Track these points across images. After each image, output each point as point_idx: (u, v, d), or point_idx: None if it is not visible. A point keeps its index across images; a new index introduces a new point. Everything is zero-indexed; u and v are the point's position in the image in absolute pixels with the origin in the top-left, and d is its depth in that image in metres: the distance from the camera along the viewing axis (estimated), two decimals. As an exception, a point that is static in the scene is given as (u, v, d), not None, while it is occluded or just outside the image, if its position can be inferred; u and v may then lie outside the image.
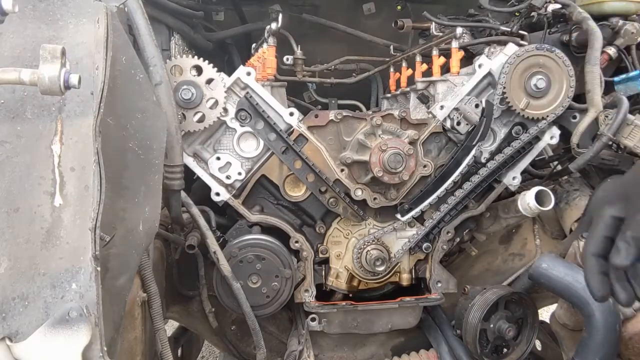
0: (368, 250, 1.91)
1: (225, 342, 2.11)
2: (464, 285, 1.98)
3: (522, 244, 2.18)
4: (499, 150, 1.89)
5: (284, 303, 1.85)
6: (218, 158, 1.82)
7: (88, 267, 1.01)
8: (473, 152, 1.84)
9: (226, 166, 1.83)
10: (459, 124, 1.85)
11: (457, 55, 1.88)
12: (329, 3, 2.63)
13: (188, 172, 1.75)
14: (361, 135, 1.86)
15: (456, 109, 1.86)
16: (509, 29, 1.92)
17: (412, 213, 1.90)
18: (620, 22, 1.87)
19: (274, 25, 1.96)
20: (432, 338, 2.05)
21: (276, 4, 2.57)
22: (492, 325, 1.84)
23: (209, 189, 1.84)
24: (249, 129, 1.83)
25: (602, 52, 1.83)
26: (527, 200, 1.87)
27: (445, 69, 1.94)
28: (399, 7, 2.67)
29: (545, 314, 2.14)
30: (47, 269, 1.01)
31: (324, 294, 2.02)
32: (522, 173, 1.94)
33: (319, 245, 1.96)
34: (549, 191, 1.85)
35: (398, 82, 2.20)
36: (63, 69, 0.99)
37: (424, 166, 1.89)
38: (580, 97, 1.86)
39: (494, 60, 1.83)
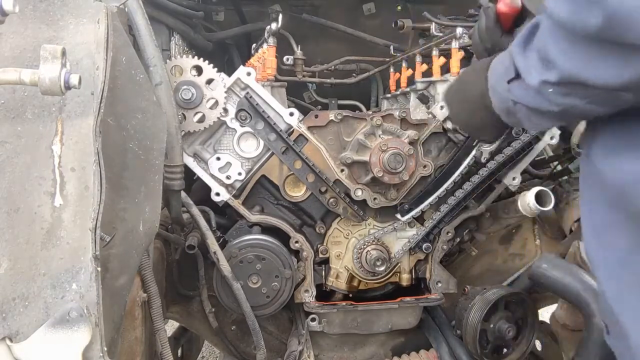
0: (368, 251, 1.91)
1: (225, 342, 2.11)
2: (464, 285, 1.98)
3: (522, 244, 2.18)
4: (499, 150, 1.89)
5: (284, 303, 1.85)
6: (218, 158, 1.82)
7: (88, 267, 1.01)
8: (473, 152, 1.84)
9: (226, 166, 1.84)
10: None
11: (457, 56, 1.88)
12: (329, 3, 2.63)
13: (188, 172, 1.75)
14: (361, 136, 1.86)
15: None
16: (509, 29, 1.92)
17: (412, 213, 1.90)
18: (621, 22, 1.87)
19: (274, 26, 1.96)
20: (432, 338, 2.04)
21: (276, 4, 2.57)
22: (492, 326, 1.84)
23: (209, 189, 1.84)
24: (249, 129, 1.83)
25: (602, 52, 1.82)
26: (527, 201, 1.87)
27: (445, 69, 1.93)
28: (399, 7, 2.67)
29: (545, 314, 2.13)
30: (48, 269, 1.01)
31: (324, 294, 2.02)
32: (522, 173, 1.94)
33: (319, 246, 1.96)
34: (549, 191, 1.85)
35: (398, 82, 2.20)
36: (63, 69, 0.99)
37: (424, 166, 1.89)
38: (580, 97, 1.85)
39: (494, 61, 1.83)
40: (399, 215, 1.92)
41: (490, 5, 1.41)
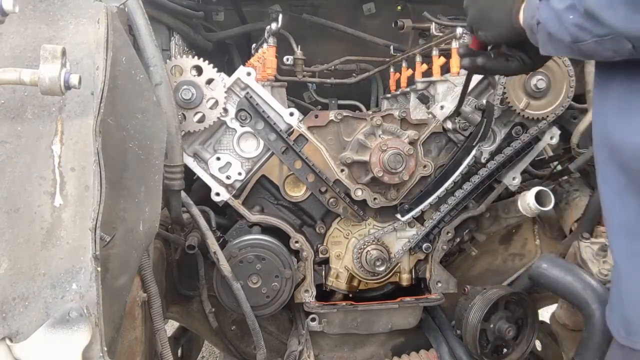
0: (368, 251, 1.91)
1: (225, 342, 2.11)
2: (464, 285, 1.98)
3: (522, 244, 2.18)
4: (499, 150, 1.89)
5: (284, 303, 1.85)
6: (218, 158, 1.82)
7: (88, 267, 1.01)
8: (473, 152, 1.84)
9: (226, 166, 1.84)
10: (464, 129, 1.86)
11: (457, 56, 1.88)
12: (329, 3, 2.63)
13: (188, 172, 1.75)
14: (361, 136, 1.86)
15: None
16: (509, 29, 1.92)
17: (412, 213, 1.90)
18: (621, 22, 1.87)
19: (274, 26, 1.96)
20: (432, 338, 2.04)
21: (276, 4, 2.57)
22: (492, 326, 1.84)
23: (209, 189, 1.84)
24: (249, 129, 1.83)
25: (602, 52, 1.82)
26: (527, 201, 1.87)
27: (445, 69, 1.94)
28: (399, 7, 2.67)
29: (545, 314, 2.14)
30: (48, 269, 1.01)
31: (324, 294, 2.02)
32: (522, 173, 1.94)
33: (319, 246, 1.96)
34: (549, 191, 1.86)
35: (398, 82, 2.20)
36: (63, 69, 0.99)
37: (424, 166, 1.89)
38: (580, 97, 1.86)
39: (494, 61, 1.82)
40: (399, 215, 1.92)
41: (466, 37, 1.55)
